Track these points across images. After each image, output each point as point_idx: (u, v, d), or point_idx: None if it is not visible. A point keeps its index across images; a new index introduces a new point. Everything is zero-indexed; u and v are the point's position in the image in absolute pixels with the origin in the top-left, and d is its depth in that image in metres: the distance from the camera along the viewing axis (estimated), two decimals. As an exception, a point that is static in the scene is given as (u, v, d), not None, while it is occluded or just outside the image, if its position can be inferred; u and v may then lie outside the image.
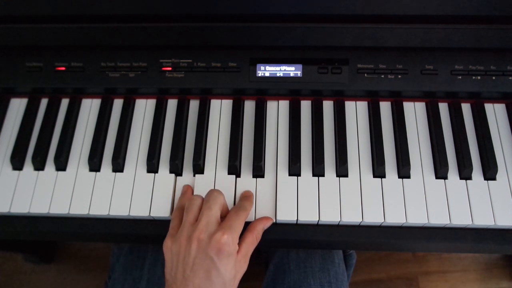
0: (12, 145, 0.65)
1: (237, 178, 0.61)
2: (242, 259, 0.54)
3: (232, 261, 0.52)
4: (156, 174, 0.62)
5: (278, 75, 0.64)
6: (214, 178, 0.61)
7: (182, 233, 0.53)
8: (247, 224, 0.56)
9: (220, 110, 0.66)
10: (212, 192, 0.56)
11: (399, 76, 0.63)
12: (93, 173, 0.62)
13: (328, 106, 0.65)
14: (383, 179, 0.60)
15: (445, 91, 0.63)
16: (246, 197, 0.60)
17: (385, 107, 0.65)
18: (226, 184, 0.60)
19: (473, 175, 0.60)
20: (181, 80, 0.64)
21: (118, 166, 0.62)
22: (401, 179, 0.60)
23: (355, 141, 0.63)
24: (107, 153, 0.64)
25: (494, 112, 0.65)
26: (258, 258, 1.22)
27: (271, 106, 0.66)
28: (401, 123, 0.63)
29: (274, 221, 0.59)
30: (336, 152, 0.62)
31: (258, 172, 0.61)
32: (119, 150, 0.63)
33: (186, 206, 0.56)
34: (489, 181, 0.60)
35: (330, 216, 0.58)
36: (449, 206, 0.58)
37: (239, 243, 0.54)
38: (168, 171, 0.62)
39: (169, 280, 0.53)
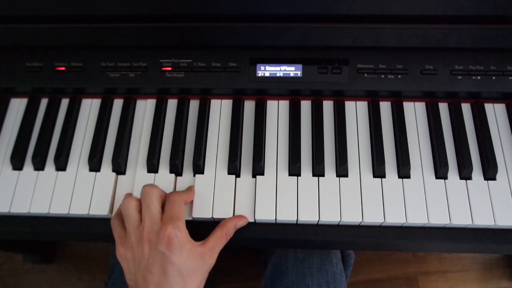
0: (12, 145, 0.65)
1: (237, 178, 0.61)
2: (208, 252, 0.54)
3: (185, 250, 0.52)
4: (156, 174, 0.62)
5: (278, 75, 0.64)
6: (214, 178, 0.61)
7: (131, 238, 0.54)
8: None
9: (220, 110, 0.66)
10: (145, 189, 0.56)
11: (399, 76, 0.63)
12: (93, 173, 0.62)
13: (328, 106, 0.65)
14: (383, 179, 0.60)
15: (445, 91, 0.63)
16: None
17: (385, 107, 0.65)
18: (226, 184, 0.60)
19: (473, 175, 0.60)
20: (181, 80, 0.64)
21: (118, 166, 0.62)
22: (401, 179, 0.60)
23: (355, 141, 0.63)
24: (107, 153, 0.64)
25: (494, 112, 0.65)
26: (257, 259, 1.23)
27: (271, 106, 0.66)
28: (401, 123, 0.63)
29: (253, 220, 0.58)
30: (336, 152, 0.62)
31: (258, 172, 0.61)
32: (119, 150, 0.63)
33: (123, 212, 0.56)
34: (489, 181, 0.60)
35: (330, 216, 0.58)
36: (449, 206, 0.58)
37: (208, 237, 0.55)
38: (168, 171, 0.62)
39: (131, 285, 0.54)
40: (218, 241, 0.56)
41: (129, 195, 0.59)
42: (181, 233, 0.52)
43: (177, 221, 0.53)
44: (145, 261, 0.52)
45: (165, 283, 0.51)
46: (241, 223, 0.58)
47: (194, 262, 0.53)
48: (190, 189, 0.60)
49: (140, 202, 0.56)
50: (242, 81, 0.64)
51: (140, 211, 0.55)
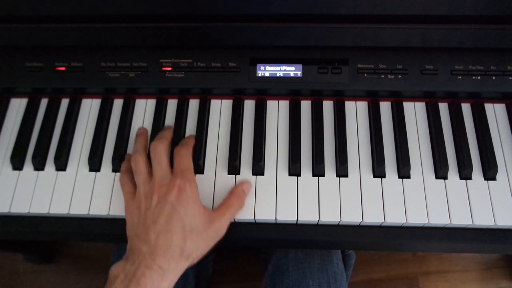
0: (12, 145, 0.65)
1: (237, 178, 0.61)
2: (217, 218, 0.54)
3: (194, 206, 0.53)
4: (156, 174, 0.62)
5: (278, 75, 0.64)
6: (214, 178, 0.61)
7: (140, 192, 0.55)
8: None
9: (220, 110, 0.66)
10: (155, 147, 0.57)
11: (399, 76, 0.63)
12: (93, 173, 0.62)
13: (328, 106, 0.65)
14: (383, 179, 0.60)
15: (445, 91, 0.63)
16: (185, 138, 0.62)
17: (385, 107, 0.65)
18: (226, 184, 0.60)
19: (473, 175, 0.60)
20: (181, 80, 0.64)
21: (118, 166, 0.62)
22: (401, 179, 0.60)
23: (355, 141, 0.63)
24: (107, 153, 0.64)
25: (494, 112, 0.65)
26: (257, 259, 1.23)
27: (271, 106, 0.66)
28: (401, 123, 0.63)
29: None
30: (336, 152, 0.62)
31: (258, 172, 0.61)
32: (119, 150, 0.63)
33: (134, 168, 0.57)
34: (489, 181, 0.60)
35: (330, 216, 0.58)
36: (449, 206, 0.58)
37: (219, 205, 0.56)
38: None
39: (130, 236, 0.54)
40: (229, 208, 0.56)
41: (127, 155, 0.61)
42: (191, 185, 0.54)
43: (187, 174, 0.54)
44: (152, 211, 0.52)
45: (165, 232, 0.51)
46: (247, 186, 0.59)
47: (200, 221, 0.53)
48: (190, 137, 0.62)
49: (147, 157, 0.58)
50: (242, 81, 0.64)
51: (149, 165, 0.57)
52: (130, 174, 0.58)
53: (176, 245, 0.51)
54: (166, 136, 0.60)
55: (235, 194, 0.57)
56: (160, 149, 0.57)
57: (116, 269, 0.51)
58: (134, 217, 0.54)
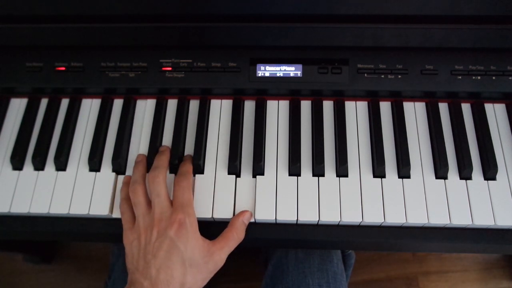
0: (12, 145, 0.65)
1: (237, 178, 0.61)
2: (217, 251, 0.54)
3: (193, 241, 0.53)
4: (156, 174, 0.62)
5: (278, 75, 0.64)
6: (214, 178, 0.61)
7: (139, 224, 0.55)
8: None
9: (220, 110, 0.66)
10: (154, 179, 0.56)
11: (399, 76, 0.63)
12: (93, 173, 0.62)
13: (328, 106, 0.65)
14: (383, 179, 0.60)
15: (445, 91, 0.63)
16: (183, 164, 0.60)
17: (385, 107, 0.65)
18: (226, 184, 0.60)
19: (473, 175, 0.60)
20: (181, 80, 0.64)
21: (118, 166, 0.62)
22: (401, 179, 0.60)
23: (355, 141, 0.63)
24: (107, 153, 0.64)
25: (494, 112, 0.65)
26: (257, 259, 1.23)
27: (271, 106, 0.66)
28: (401, 123, 0.63)
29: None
30: (336, 152, 0.62)
31: (258, 172, 0.61)
32: (119, 150, 0.63)
33: (132, 200, 0.57)
34: (489, 181, 0.60)
35: (330, 216, 0.58)
36: (449, 206, 0.58)
37: (218, 237, 0.56)
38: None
39: (131, 269, 0.54)
40: (228, 241, 0.56)
41: (127, 178, 0.60)
42: (191, 220, 0.53)
43: (187, 208, 0.54)
44: (151, 245, 0.53)
45: (166, 268, 0.51)
46: (247, 216, 0.58)
47: (200, 256, 0.53)
48: (187, 162, 0.60)
49: (146, 187, 0.57)
50: (242, 81, 0.64)
51: (147, 196, 0.57)
52: (130, 201, 0.58)
53: (177, 281, 0.51)
54: (164, 164, 0.59)
55: (235, 227, 0.56)
56: (159, 181, 0.56)
57: None
58: (134, 249, 0.54)
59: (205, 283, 0.55)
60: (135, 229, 0.55)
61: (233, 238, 0.56)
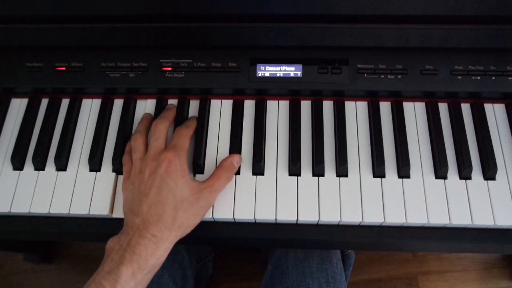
0: (12, 145, 0.65)
1: (237, 178, 0.61)
2: (206, 188, 0.56)
3: (183, 179, 0.54)
4: (156, 174, 0.62)
5: (278, 75, 0.64)
6: (214, 178, 0.61)
7: (135, 168, 0.57)
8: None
9: (220, 110, 0.66)
10: (156, 125, 0.59)
11: (399, 76, 0.63)
12: (93, 173, 0.62)
13: (328, 106, 0.65)
14: (383, 179, 0.60)
15: (445, 91, 0.63)
16: (188, 119, 0.63)
17: (385, 107, 0.65)
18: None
19: (473, 175, 0.60)
20: (181, 80, 0.64)
21: (118, 166, 0.62)
22: (401, 179, 0.60)
23: (355, 141, 0.63)
24: (107, 153, 0.64)
25: (494, 112, 0.65)
26: (257, 259, 1.23)
27: (271, 106, 0.66)
28: (401, 123, 0.63)
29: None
30: (336, 152, 0.62)
31: (258, 172, 0.61)
32: (119, 150, 0.63)
33: (132, 145, 0.59)
34: (489, 181, 0.60)
35: (330, 216, 0.58)
36: (449, 206, 0.58)
37: (209, 176, 0.57)
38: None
39: (126, 211, 0.56)
40: (217, 180, 0.57)
41: (142, 125, 0.63)
42: (181, 160, 0.55)
43: (179, 150, 0.56)
44: (144, 185, 0.54)
45: (157, 203, 0.53)
46: (237, 159, 0.60)
47: (190, 192, 0.54)
48: (192, 120, 0.63)
49: (147, 136, 0.60)
50: (242, 81, 0.64)
51: (147, 145, 0.59)
52: (130, 156, 0.60)
53: (168, 215, 0.52)
54: (169, 117, 0.62)
55: (224, 167, 0.59)
56: (161, 127, 0.59)
57: (112, 242, 0.53)
58: (128, 194, 0.56)
59: (197, 220, 0.56)
60: (131, 175, 0.57)
61: (222, 176, 0.58)
